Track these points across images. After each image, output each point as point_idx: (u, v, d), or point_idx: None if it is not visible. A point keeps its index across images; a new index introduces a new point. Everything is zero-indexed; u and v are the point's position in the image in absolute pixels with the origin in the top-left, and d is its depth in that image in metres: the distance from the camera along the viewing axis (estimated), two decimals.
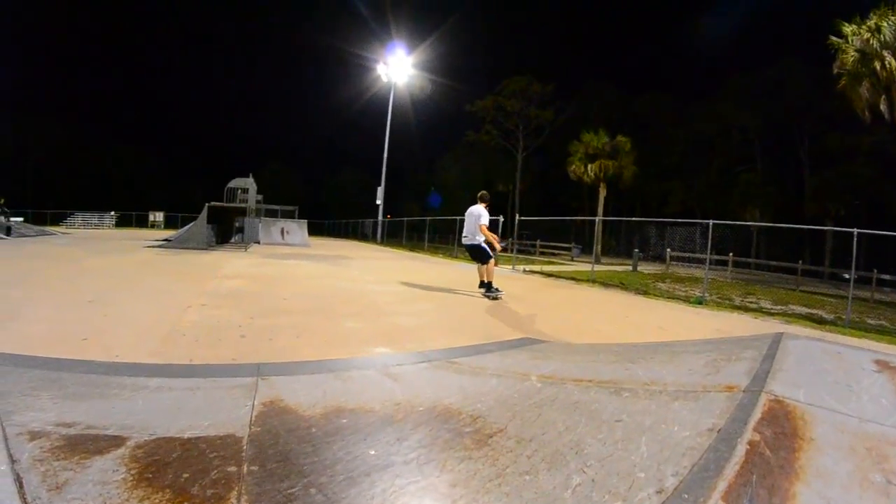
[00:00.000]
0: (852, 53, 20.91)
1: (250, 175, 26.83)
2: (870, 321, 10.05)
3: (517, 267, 17.99)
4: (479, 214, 9.82)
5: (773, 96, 40.27)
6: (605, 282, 14.22)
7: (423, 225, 29.09)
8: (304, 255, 17.75)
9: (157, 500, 1.68)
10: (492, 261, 9.97)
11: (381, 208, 38.96)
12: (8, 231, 21.83)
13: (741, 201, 40.85)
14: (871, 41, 20.21)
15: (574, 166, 34.04)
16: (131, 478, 1.80)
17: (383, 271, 13.50)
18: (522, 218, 20.92)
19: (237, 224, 24.67)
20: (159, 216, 51.69)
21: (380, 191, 39.21)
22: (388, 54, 39.68)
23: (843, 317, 9.90)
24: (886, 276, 19.78)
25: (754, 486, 1.70)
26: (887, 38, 19.86)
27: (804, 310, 11.37)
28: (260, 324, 5.61)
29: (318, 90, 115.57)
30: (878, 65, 20.01)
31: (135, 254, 14.92)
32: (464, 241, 10.20)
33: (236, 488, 1.74)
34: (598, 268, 17.41)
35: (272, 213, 32.16)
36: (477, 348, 4.12)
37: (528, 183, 52.58)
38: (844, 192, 34.94)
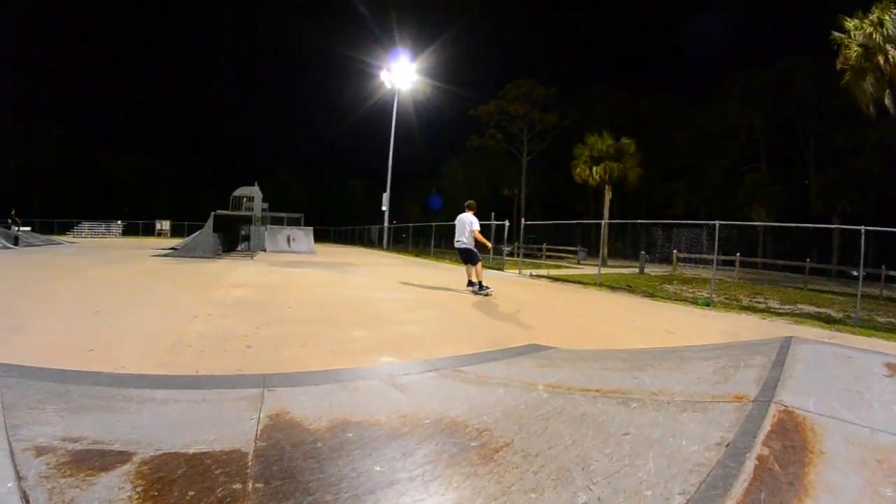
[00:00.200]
0: (855, 48, 20.78)
1: (256, 184, 26.95)
2: (879, 319, 9.97)
3: (524, 271, 17.95)
4: (471, 221, 11.11)
5: (777, 94, 40.07)
6: (612, 285, 14.17)
7: (429, 230, 29.11)
8: (310, 263, 17.77)
9: None
10: (480, 262, 11.17)
11: (386, 214, 39.01)
12: (16, 241, 21.99)
13: (747, 201, 40.60)
14: (873, 35, 20.09)
15: (579, 169, 33.98)
16: (137, 496, 1.79)
17: (389, 278, 13.49)
18: (528, 222, 20.90)
19: (243, 232, 24.74)
20: (166, 225, 51.91)
21: (385, 197, 39.25)
22: (391, 61, 39.78)
23: (852, 315, 9.82)
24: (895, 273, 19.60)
25: None
26: (890, 32, 19.74)
27: (813, 309, 11.29)
28: (266, 333, 5.61)
29: (323, 97, 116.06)
30: (881, 59, 19.89)
31: (141, 263, 14.97)
32: (457, 245, 11.27)
33: None
34: (604, 271, 17.36)
35: (278, 221, 32.22)
36: (483, 356, 4.10)
37: (533, 186, 52.56)
38: (851, 188, 34.63)
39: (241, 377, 3.77)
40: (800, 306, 11.68)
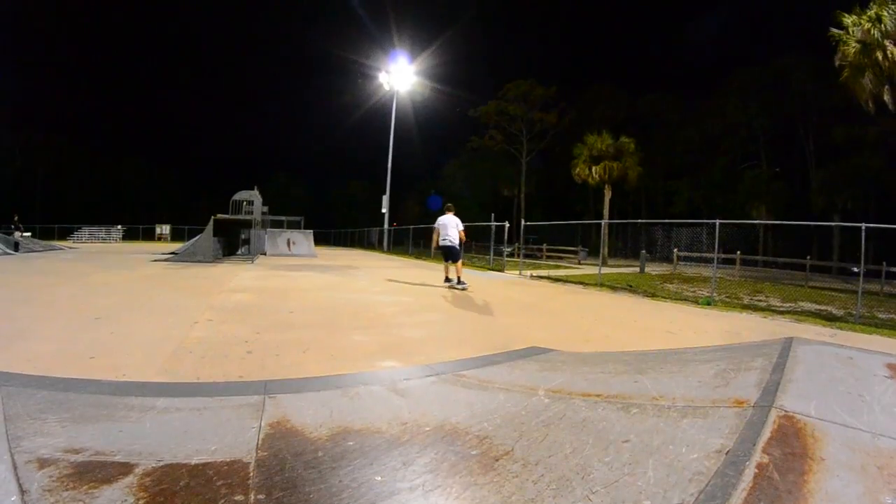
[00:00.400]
0: (853, 44, 20.77)
1: (255, 187, 26.95)
2: (880, 316, 9.95)
3: (524, 272, 17.95)
4: (457, 222, 12.11)
5: (776, 91, 40.03)
6: (613, 285, 14.17)
7: (429, 233, 29.03)
8: (311, 266, 17.77)
9: None
10: (461, 259, 12.18)
11: (386, 217, 39.02)
12: (16, 246, 22.02)
13: (748, 198, 40.56)
14: (871, 31, 20.09)
15: (578, 169, 33.95)
16: None
17: (389, 281, 13.49)
18: (528, 223, 20.89)
19: (243, 236, 24.76)
20: (166, 229, 52.00)
21: (385, 199, 39.28)
22: (390, 63, 39.80)
23: (853, 312, 9.82)
24: None
25: None
26: (888, 28, 19.74)
27: (814, 306, 11.29)
28: (266, 339, 5.61)
29: (322, 100, 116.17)
30: (879, 55, 19.89)
31: (141, 268, 14.97)
32: (444, 243, 12.06)
33: None
34: (605, 270, 17.36)
35: (278, 224, 32.24)
36: (485, 360, 4.10)
37: (533, 186, 52.55)
38: (851, 184, 34.52)
39: (242, 384, 3.77)
40: (801, 304, 11.67)
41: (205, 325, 6.37)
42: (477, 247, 29.56)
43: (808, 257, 22.36)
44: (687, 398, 2.44)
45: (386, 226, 38.52)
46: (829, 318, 9.45)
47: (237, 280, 12.01)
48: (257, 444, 2.23)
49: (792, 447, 1.92)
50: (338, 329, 6.46)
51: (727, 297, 12.29)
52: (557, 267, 22.70)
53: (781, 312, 10.03)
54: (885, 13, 19.75)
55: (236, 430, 2.45)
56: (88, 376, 3.79)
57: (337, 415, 2.60)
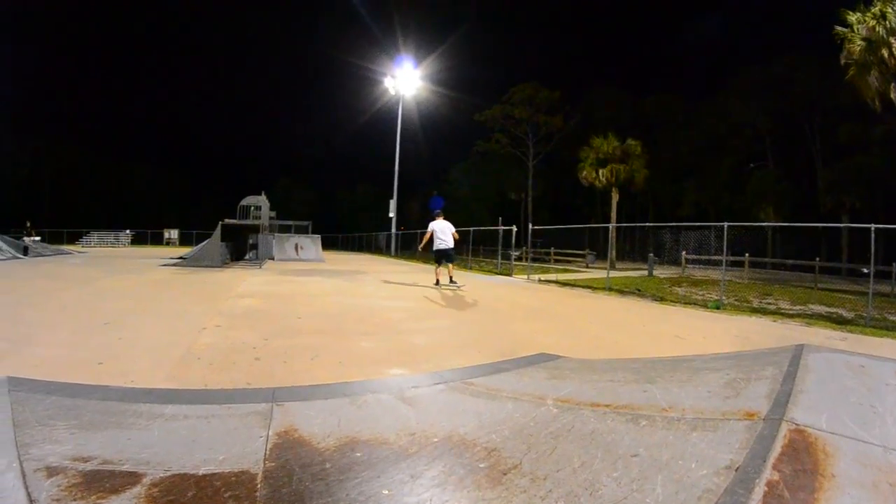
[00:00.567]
0: (858, 42, 20.61)
1: (263, 193, 27.05)
2: (891, 318, 9.85)
3: (532, 276, 17.90)
4: (449, 225, 12.89)
5: (781, 91, 39.67)
6: (621, 289, 14.12)
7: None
8: (319, 271, 17.80)
9: None
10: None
11: (394, 221, 39.03)
12: (25, 251, 22.20)
13: (755, 199, 40.25)
14: (876, 28, 19.93)
15: (585, 172, 33.88)
16: None
17: (397, 286, 13.49)
18: (535, 227, 20.86)
19: (251, 241, 24.82)
20: (174, 234, 52.22)
21: (392, 203, 39.29)
22: (395, 67, 39.88)
23: (864, 314, 9.74)
24: None
25: None
26: (893, 25, 19.57)
27: (823, 309, 11.22)
28: (275, 345, 5.61)
29: (329, 105, 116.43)
30: (885, 52, 19.74)
31: (150, 273, 15.04)
32: (440, 245, 12.71)
33: None
34: (613, 274, 17.28)
35: (286, 229, 32.29)
36: (493, 367, 4.07)
37: (540, 190, 52.47)
38: (859, 184, 34.16)
39: (250, 391, 3.77)
40: (810, 306, 11.61)
41: (213, 330, 6.39)
42: (485, 251, 29.53)
43: (818, 259, 22.16)
44: (697, 409, 2.40)
45: (394, 230, 38.54)
46: (839, 322, 9.38)
47: (245, 285, 12.04)
48: (265, 454, 2.22)
49: (803, 463, 1.89)
50: (346, 335, 6.45)
51: (736, 300, 12.22)
52: (566, 271, 22.65)
53: (791, 316, 9.97)
54: (890, 10, 19.58)
55: (244, 440, 2.44)
56: (97, 382, 3.79)
57: (345, 424, 2.59)
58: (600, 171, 32.95)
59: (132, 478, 2.06)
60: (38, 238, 31.16)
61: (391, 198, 39.70)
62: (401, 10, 69.55)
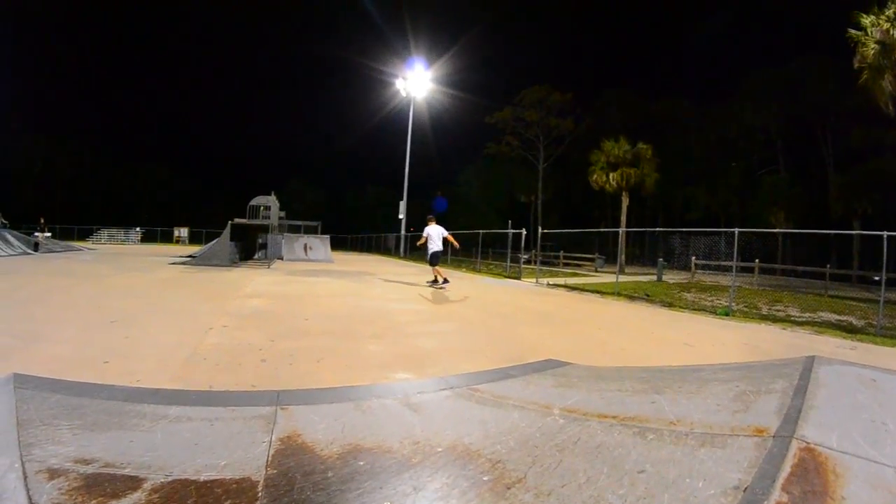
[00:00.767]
0: (872, 46, 20.37)
1: (272, 193, 27.17)
2: None
3: (541, 280, 17.85)
4: (442, 229, 14.08)
5: (793, 94, 39.36)
6: (630, 294, 14.05)
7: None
8: (327, 272, 17.81)
9: None
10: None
11: (403, 222, 39.04)
12: (36, 247, 22.41)
13: (766, 204, 39.96)
14: (891, 31, 19.68)
15: (596, 175, 33.77)
16: None
17: (405, 288, 13.47)
18: (545, 231, 20.80)
19: (260, 240, 24.92)
20: (184, 232, 52.53)
21: (402, 205, 39.31)
22: (407, 69, 39.92)
23: (874, 323, 9.63)
24: None
25: None
26: None
27: (833, 317, 11.11)
28: (281, 347, 5.60)
29: (340, 106, 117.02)
30: None
31: (159, 271, 15.10)
32: (435, 249, 13.95)
33: None
34: (622, 278, 17.21)
35: (295, 229, 32.43)
36: (500, 373, 4.03)
37: (550, 193, 52.38)
38: (870, 189, 33.75)
39: (254, 394, 3.74)
40: (820, 314, 11.49)
41: (220, 331, 6.39)
42: (494, 254, 29.50)
43: (828, 265, 21.97)
44: (705, 424, 2.35)
45: (403, 231, 38.55)
46: (850, 330, 9.28)
47: (253, 285, 12.06)
48: (267, 460, 2.19)
49: (812, 484, 1.83)
50: (353, 337, 6.43)
51: (745, 306, 12.12)
52: (574, 275, 22.57)
53: (800, 323, 9.87)
54: None
55: (247, 445, 2.41)
56: (102, 381, 3.78)
57: (349, 430, 2.56)
58: (611, 175, 32.83)
59: (133, 482, 2.04)
60: (49, 234, 31.47)
61: (401, 199, 39.72)
62: (413, 11, 69.69)
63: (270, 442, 2.42)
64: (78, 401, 3.08)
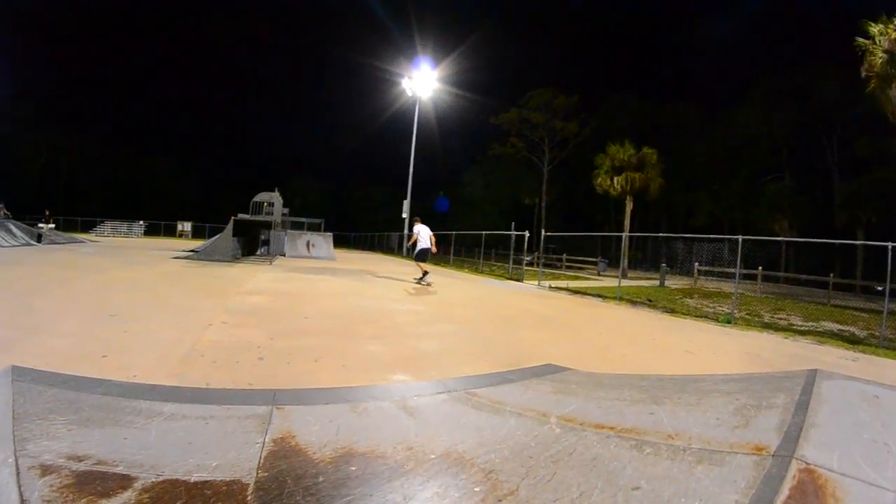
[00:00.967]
0: (880, 55, 20.29)
1: (276, 189, 27.17)
2: None
3: (543, 282, 17.81)
4: (429, 230, 15.19)
5: (799, 102, 39.23)
6: (632, 298, 14.02)
7: (449, 238, 29.06)
8: (329, 270, 17.80)
9: None
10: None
11: (406, 221, 39.04)
12: (39, 238, 22.44)
13: (770, 211, 39.83)
14: None
15: (600, 179, 33.70)
16: None
17: (407, 288, 13.45)
18: (548, 233, 20.76)
19: (263, 237, 24.92)
20: (187, 226, 52.55)
21: (406, 204, 39.29)
22: (413, 69, 39.90)
23: (877, 334, 9.57)
24: None
25: None
26: None
27: (836, 326, 11.08)
28: (279, 345, 5.58)
29: (346, 104, 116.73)
30: None
31: (161, 265, 15.09)
32: (424, 246, 15.00)
33: None
34: (624, 283, 17.15)
35: (299, 226, 32.46)
36: (498, 377, 4.01)
37: (553, 195, 52.31)
38: (875, 199, 33.60)
39: (250, 393, 3.72)
40: (822, 324, 11.45)
41: (219, 327, 6.37)
42: (497, 255, 29.47)
43: (831, 274, 21.87)
44: (704, 439, 2.31)
45: (406, 230, 38.54)
46: (852, 341, 9.23)
47: (254, 281, 12.04)
48: (259, 462, 2.17)
49: None
50: (352, 337, 6.41)
51: (747, 314, 12.09)
52: (577, 278, 22.54)
53: (802, 332, 9.83)
54: None
55: (240, 445, 2.40)
56: (99, 375, 3.77)
57: (343, 433, 2.54)
58: (615, 179, 32.76)
59: (124, 481, 2.02)
60: (52, 226, 31.56)
61: (405, 198, 39.71)
62: (419, 12, 69.61)
63: (264, 443, 2.41)
64: (74, 395, 3.07)
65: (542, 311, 10.84)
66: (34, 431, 2.48)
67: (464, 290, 14.60)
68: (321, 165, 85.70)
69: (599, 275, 26.69)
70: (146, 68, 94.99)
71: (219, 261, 17.22)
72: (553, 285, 17.28)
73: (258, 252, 24.08)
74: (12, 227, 21.84)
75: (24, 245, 20.27)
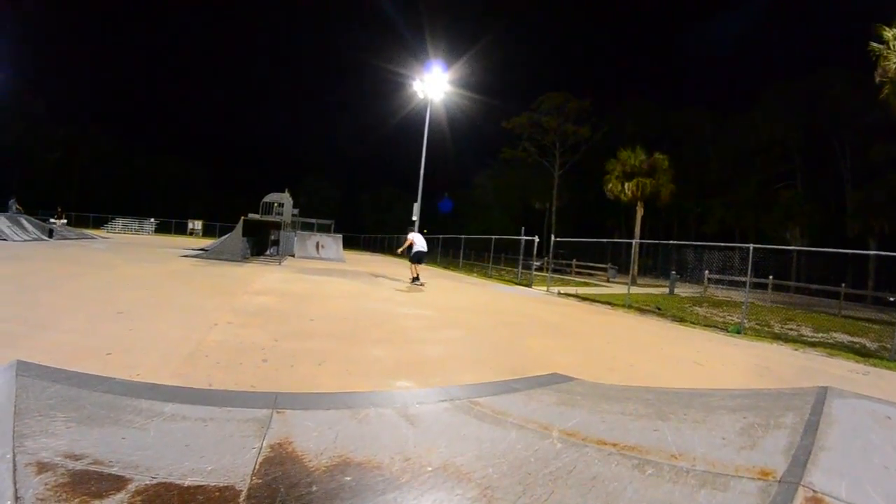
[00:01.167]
0: (894, 60, 20.06)
1: (286, 190, 27.28)
2: None
3: (552, 288, 17.74)
4: (421, 236, 16.41)
5: (812, 107, 38.77)
6: (641, 307, 13.92)
7: (459, 242, 29.04)
8: (337, 271, 17.81)
9: None
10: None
11: (416, 224, 39.03)
12: (50, 233, 22.68)
13: (782, 219, 39.41)
14: None
15: (611, 185, 33.51)
16: None
17: (414, 292, 13.43)
18: (558, 239, 20.70)
19: (273, 237, 25.01)
20: (198, 225, 52.85)
21: (416, 207, 39.25)
22: (424, 71, 39.89)
23: (888, 346, 9.45)
24: None
25: None
26: None
27: (846, 338, 10.96)
28: (284, 347, 5.56)
29: (357, 107, 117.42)
30: None
31: (170, 263, 15.16)
32: (421, 250, 15.80)
33: None
34: (634, 290, 17.05)
35: (309, 227, 32.54)
36: (503, 385, 3.96)
37: (564, 200, 52.12)
38: (889, 206, 33.16)
39: (252, 395, 3.70)
40: (833, 335, 11.33)
41: (224, 327, 6.37)
42: (506, 260, 29.42)
43: (843, 284, 21.61)
44: (708, 460, 2.24)
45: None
46: (863, 353, 9.12)
47: (262, 282, 12.06)
48: (254, 468, 2.13)
49: None
50: (357, 341, 6.39)
51: (757, 323, 11.98)
52: (586, 284, 22.44)
53: (813, 344, 9.72)
54: None
55: (236, 450, 2.37)
56: (103, 373, 3.75)
57: (341, 440, 2.50)
58: (626, 185, 32.56)
59: (118, 483, 2.00)
60: (64, 221, 31.85)
61: (415, 201, 39.71)
62: (432, 14, 69.77)
63: (260, 448, 2.37)
64: (77, 392, 3.05)
65: (550, 318, 10.78)
66: (34, 428, 2.46)
67: (472, 295, 14.56)
68: (332, 167, 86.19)
69: (609, 281, 26.58)
70: (164, 67, 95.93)
71: (228, 260, 17.28)
72: (562, 291, 17.21)
73: (268, 252, 24.15)
74: (24, 222, 22.08)
75: (35, 240, 20.46)
